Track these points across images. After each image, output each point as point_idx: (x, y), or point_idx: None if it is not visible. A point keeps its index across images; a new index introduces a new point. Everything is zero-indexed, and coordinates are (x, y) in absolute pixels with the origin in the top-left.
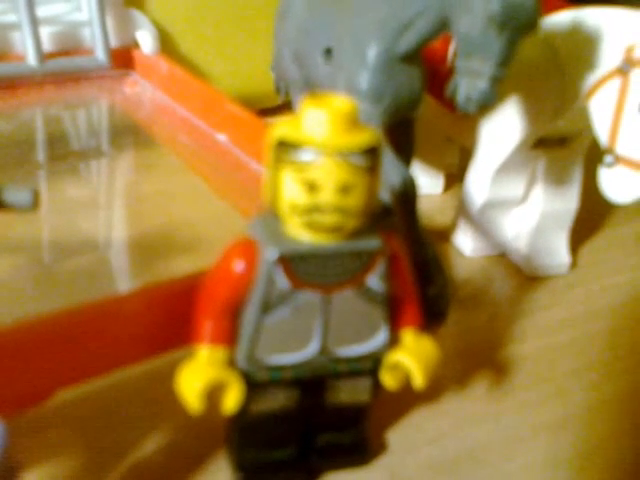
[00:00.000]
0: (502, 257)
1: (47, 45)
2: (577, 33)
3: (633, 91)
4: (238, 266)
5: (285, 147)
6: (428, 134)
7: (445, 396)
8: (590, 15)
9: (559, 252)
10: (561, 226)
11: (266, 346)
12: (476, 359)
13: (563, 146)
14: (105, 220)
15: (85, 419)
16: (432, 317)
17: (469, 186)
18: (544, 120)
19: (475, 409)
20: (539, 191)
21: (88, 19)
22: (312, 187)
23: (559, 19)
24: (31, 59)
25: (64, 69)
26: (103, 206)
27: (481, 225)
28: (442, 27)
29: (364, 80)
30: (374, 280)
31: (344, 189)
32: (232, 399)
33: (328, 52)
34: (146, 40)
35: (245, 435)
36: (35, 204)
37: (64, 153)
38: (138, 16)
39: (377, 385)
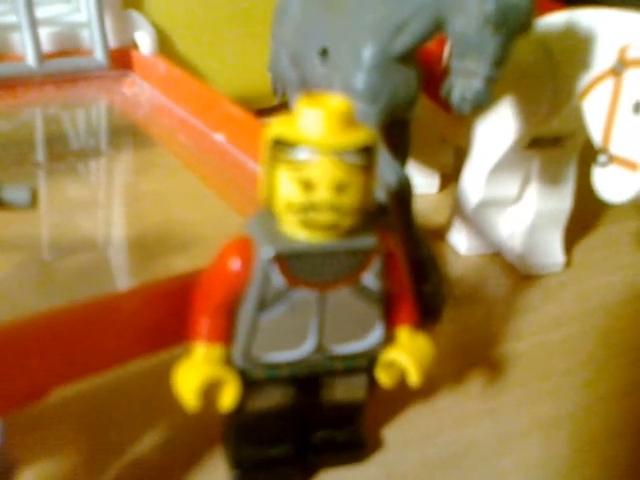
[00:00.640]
0: (497, 256)
1: (46, 46)
2: (571, 34)
3: (626, 91)
4: (234, 264)
5: (281, 146)
6: (423, 134)
7: (440, 393)
8: (584, 16)
9: (553, 251)
10: (555, 225)
11: (262, 344)
12: (471, 357)
13: (557, 146)
14: (103, 219)
15: (82, 416)
16: (427, 315)
17: (464, 185)
18: (538, 120)
19: (470, 406)
20: (533, 190)
21: (87, 20)
22: (308, 186)
23: (553, 20)
24: (30, 59)
25: (63, 69)
26: (101, 205)
27: (476, 224)
28: (437, 28)
29: (360, 80)
30: (370, 278)
31: (339, 188)
32: (228, 396)
33: (324, 53)
34: (144, 41)
35: (241, 432)
36: (33, 203)
37: (63, 153)
38: (136, 17)
39: (372, 382)
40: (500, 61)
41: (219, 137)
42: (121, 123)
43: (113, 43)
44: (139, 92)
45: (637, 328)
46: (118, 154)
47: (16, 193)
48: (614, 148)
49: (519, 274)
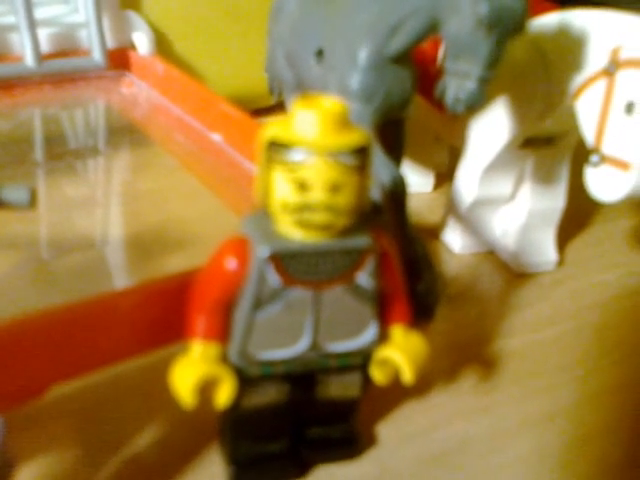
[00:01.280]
0: (490, 254)
1: (45, 46)
2: (564, 35)
3: (619, 92)
4: (230, 263)
5: (276, 147)
6: (418, 134)
7: (434, 390)
8: (577, 17)
9: (546, 249)
10: (548, 224)
11: (258, 342)
12: (465, 354)
13: (550, 146)
14: (101, 218)
15: (80, 413)
16: (421, 313)
17: (458, 185)
18: (532, 120)
19: (464, 403)
20: (527, 189)
21: (85, 21)
22: (303, 186)
23: (546, 21)
24: (29, 60)
25: (61, 70)
26: (99, 204)
27: (470, 223)
28: (432, 29)
29: (355, 81)
30: (364, 277)
31: (334, 188)
32: (225, 394)
33: (320, 53)
34: (142, 41)
35: (237, 429)
36: (32, 202)
37: (61, 152)
38: (134, 18)
39: (367, 380)
40: (494, 62)
41: (216, 137)
42: (119, 123)
43: (111, 43)
44: (137, 92)
45: (629, 325)
46: (116, 153)
47: (15, 193)
48: (606, 148)
49: (512, 272)
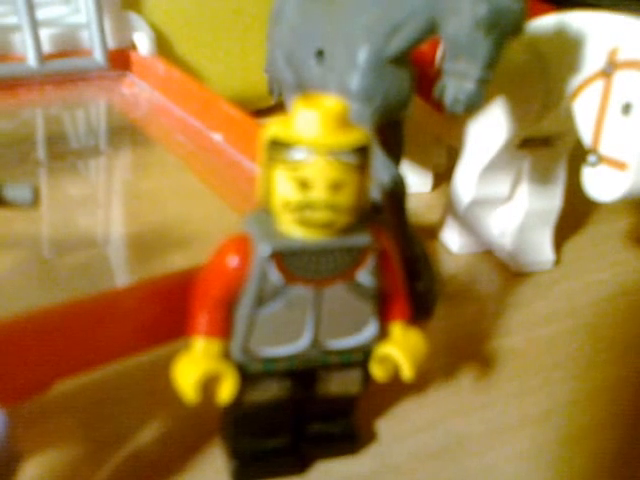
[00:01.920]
0: (488, 254)
1: (46, 46)
2: (562, 36)
3: (616, 93)
4: (232, 261)
5: (278, 146)
6: (417, 134)
7: (432, 387)
8: (574, 19)
9: (543, 249)
10: (545, 224)
11: (260, 338)
12: (463, 352)
13: (548, 146)
14: (103, 217)
15: (84, 409)
16: (420, 312)
17: (456, 185)
18: (529, 121)
19: (462, 400)
20: (524, 190)
21: (86, 21)
22: (304, 185)
23: (544, 23)
24: (31, 60)
25: (63, 70)
26: (101, 203)
27: (468, 223)
28: (431, 30)
29: (355, 81)
30: (364, 275)
31: (335, 187)
32: (227, 390)
33: (320, 54)
34: (143, 42)
35: (239, 424)
36: (35, 201)
37: (63, 152)
38: (135, 18)
39: (367, 377)
40: (492, 63)
41: (217, 137)
42: (120, 123)
43: (112, 44)
44: (138, 92)
45: (625, 324)
46: (117, 153)
47: (19, 192)
48: (603, 148)
49: (510, 272)
